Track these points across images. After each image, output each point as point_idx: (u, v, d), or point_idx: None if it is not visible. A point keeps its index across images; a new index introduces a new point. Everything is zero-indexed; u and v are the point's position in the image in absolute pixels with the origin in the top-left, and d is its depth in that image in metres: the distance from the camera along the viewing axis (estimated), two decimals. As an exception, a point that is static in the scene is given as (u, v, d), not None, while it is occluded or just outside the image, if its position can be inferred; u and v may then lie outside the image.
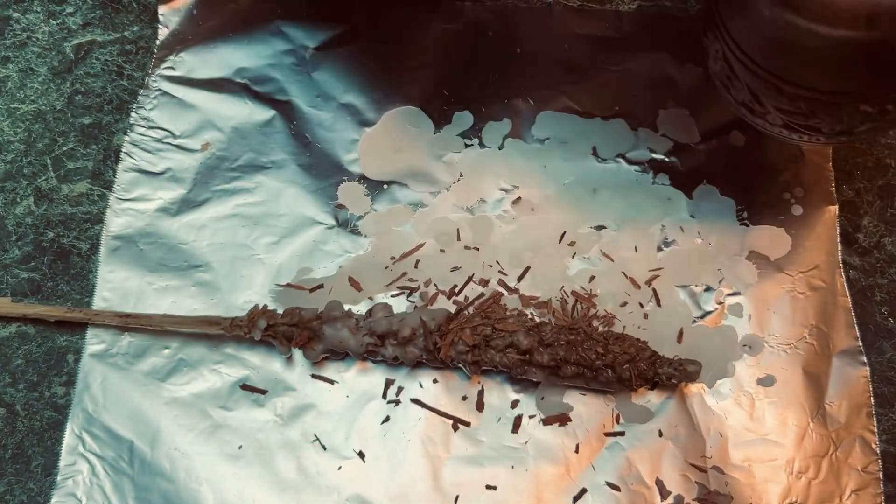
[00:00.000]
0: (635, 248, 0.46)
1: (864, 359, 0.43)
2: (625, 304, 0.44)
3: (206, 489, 0.40)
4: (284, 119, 0.48)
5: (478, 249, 0.45)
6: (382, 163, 0.48)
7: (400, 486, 0.41)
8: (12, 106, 0.48)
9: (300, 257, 0.45)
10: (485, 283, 0.45)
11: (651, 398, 0.42)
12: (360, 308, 0.44)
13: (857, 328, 0.44)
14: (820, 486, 0.41)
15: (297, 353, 0.43)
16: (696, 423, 0.42)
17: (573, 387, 0.42)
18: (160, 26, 0.50)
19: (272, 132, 0.48)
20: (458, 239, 0.46)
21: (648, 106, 0.49)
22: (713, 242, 0.46)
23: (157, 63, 0.49)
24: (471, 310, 0.43)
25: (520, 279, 0.45)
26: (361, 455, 0.41)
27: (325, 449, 0.41)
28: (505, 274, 0.45)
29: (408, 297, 0.44)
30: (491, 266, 0.45)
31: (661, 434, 0.42)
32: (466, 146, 0.48)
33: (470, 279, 0.45)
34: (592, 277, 0.45)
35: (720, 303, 0.44)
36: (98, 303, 0.44)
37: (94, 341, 0.43)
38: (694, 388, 0.43)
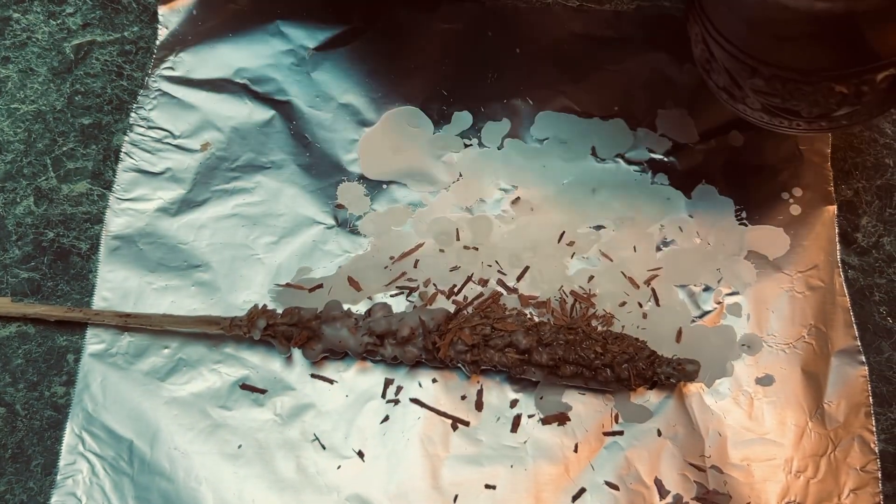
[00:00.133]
0: (634, 247, 0.46)
1: (863, 358, 0.43)
2: (624, 303, 0.44)
3: (205, 488, 0.40)
4: (284, 119, 0.48)
5: (477, 249, 0.46)
6: (382, 163, 0.48)
7: (399, 485, 0.41)
8: (12, 106, 0.49)
9: (299, 257, 0.45)
10: (484, 282, 0.45)
11: (650, 398, 0.42)
12: (360, 308, 0.44)
13: (855, 328, 0.44)
14: (818, 486, 0.41)
15: (297, 353, 0.43)
16: (694, 423, 0.42)
17: (572, 386, 0.42)
18: (160, 27, 0.50)
19: (272, 132, 0.48)
20: (458, 239, 0.46)
21: (647, 106, 0.49)
22: (712, 242, 0.46)
23: (157, 63, 0.49)
24: (470, 309, 0.43)
25: (519, 279, 0.45)
26: (361, 454, 0.41)
27: (324, 448, 0.41)
28: (504, 274, 0.45)
29: (407, 296, 0.44)
30: (490, 266, 0.45)
31: (659, 433, 0.42)
32: (466, 146, 0.48)
33: (469, 279, 0.45)
34: (591, 277, 0.45)
35: (719, 302, 0.44)
36: (98, 303, 0.44)
37: (94, 341, 0.43)
38: (693, 388, 0.43)
